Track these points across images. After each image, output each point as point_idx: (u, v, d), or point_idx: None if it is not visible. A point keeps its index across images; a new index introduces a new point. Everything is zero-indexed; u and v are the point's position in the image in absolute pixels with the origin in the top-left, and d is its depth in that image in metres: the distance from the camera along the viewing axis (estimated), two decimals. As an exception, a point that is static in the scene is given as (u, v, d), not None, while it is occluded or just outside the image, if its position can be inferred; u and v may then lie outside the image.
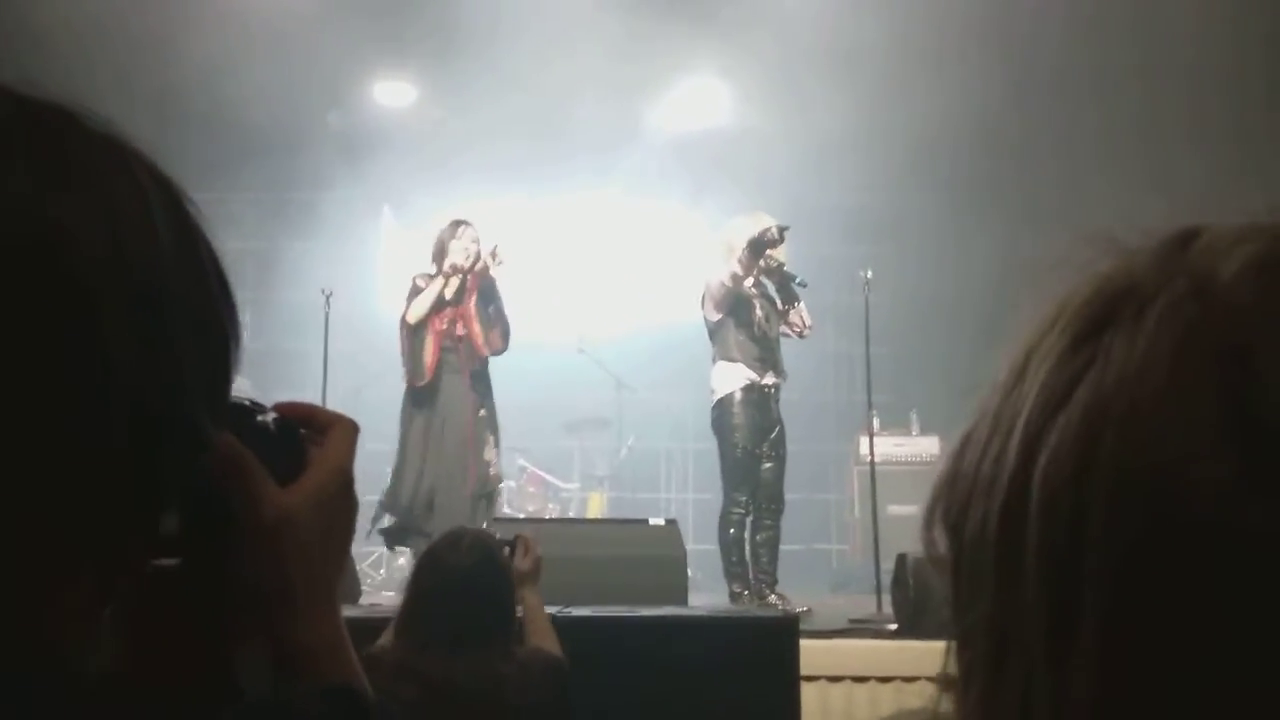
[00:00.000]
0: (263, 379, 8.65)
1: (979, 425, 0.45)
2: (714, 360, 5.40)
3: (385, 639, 2.48)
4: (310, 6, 7.24)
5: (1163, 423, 0.39)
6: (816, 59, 7.00)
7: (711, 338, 5.45)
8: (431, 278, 5.60)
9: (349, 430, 0.67)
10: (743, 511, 5.27)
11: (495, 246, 5.62)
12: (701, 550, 6.69)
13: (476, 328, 5.54)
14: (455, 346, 5.51)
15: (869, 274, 5.66)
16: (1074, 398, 0.41)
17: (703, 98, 8.64)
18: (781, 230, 5.14)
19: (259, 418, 0.64)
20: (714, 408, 5.37)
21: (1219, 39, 5.76)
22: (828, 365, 9.34)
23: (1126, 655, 0.39)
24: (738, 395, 5.24)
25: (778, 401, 5.41)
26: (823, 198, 8.94)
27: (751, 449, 5.24)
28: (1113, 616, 0.39)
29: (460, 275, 5.55)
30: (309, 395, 7.63)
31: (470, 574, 2.46)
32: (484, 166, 8.27)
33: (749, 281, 5.29)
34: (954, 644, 0.44)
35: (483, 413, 5.58)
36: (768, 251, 5.19)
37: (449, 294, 5.52)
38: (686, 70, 8.19)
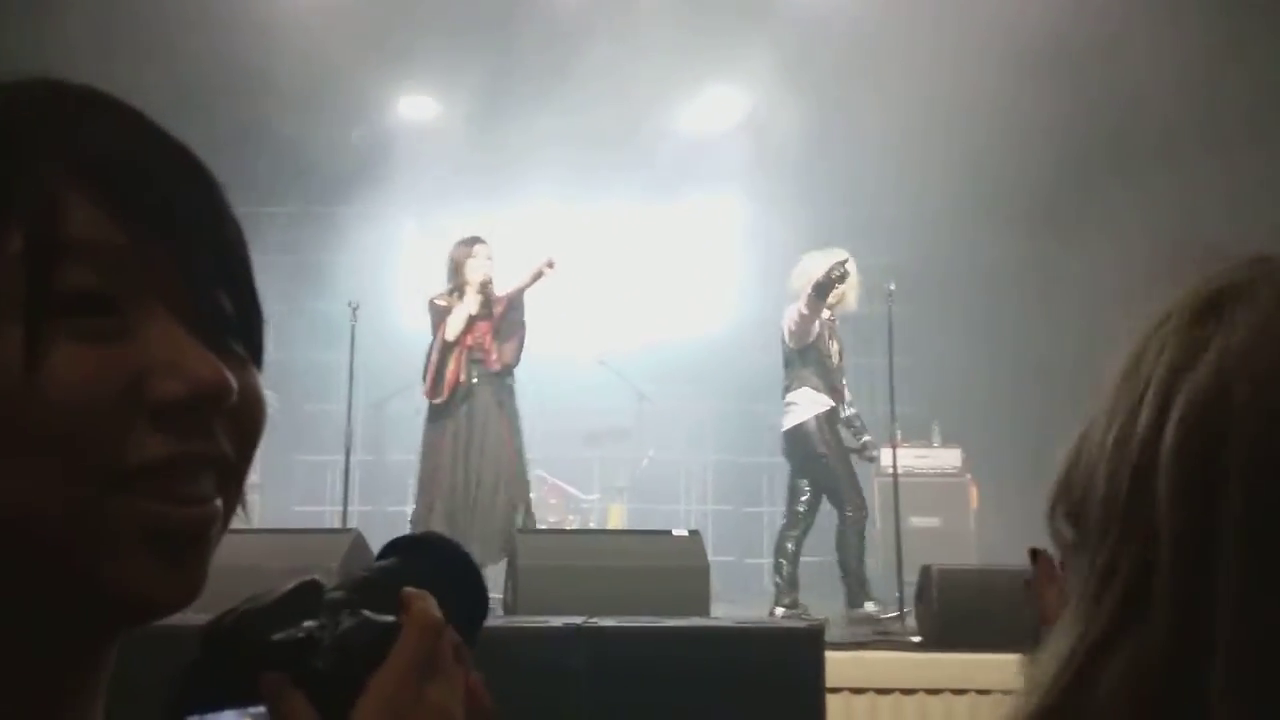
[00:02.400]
0: (289, 390, 8.74)
1: (1095, 421, 0.49)
2: (788, 388, 5.65)
3: None
4: (335, 21, 7.32)
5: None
6: (843, 68, 7.03)
7: (786, 365, 5.70)
8: (449, 295, 5.70)
9: (420, 638, 0.58)
10: (798, 533, 5.66)
11: (550, 258, 5.81)
12: (721, 562, 6.70)
13: (490, 341, 5.66)
14: (485, 359, 5.64)
15: (893, 286, 5.68)
16: (1202, 360, 0.45)
17: (726, 108, 8.67)
18: (843, 266, 5.35)
19: (320, 644, 0.57)
20: (785, 434, 5.65)
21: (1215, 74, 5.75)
22: (848, 377, 9.33)
23: (1264, 590, 0.42)
24: (810, 423, 5.52)
25: (846, 425, 5.68)
26: (847, 209, 8.96)
27: (822, 475, 5.49)
28: (1253, 552, 0.42)
29: (486, 290, 5.65)
30: (335, 407, 7.70)
31: None
32: (506, 179, 8.32)
33: (822, 316, 5.56)
34: (1073, 617, 0.47)
35: (512, 425, 5.69)
36: (838, 288, 5.43)
37: (476, 309, 5.64)
38: (709, 80, 8.22)
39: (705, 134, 8.71)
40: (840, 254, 5.43)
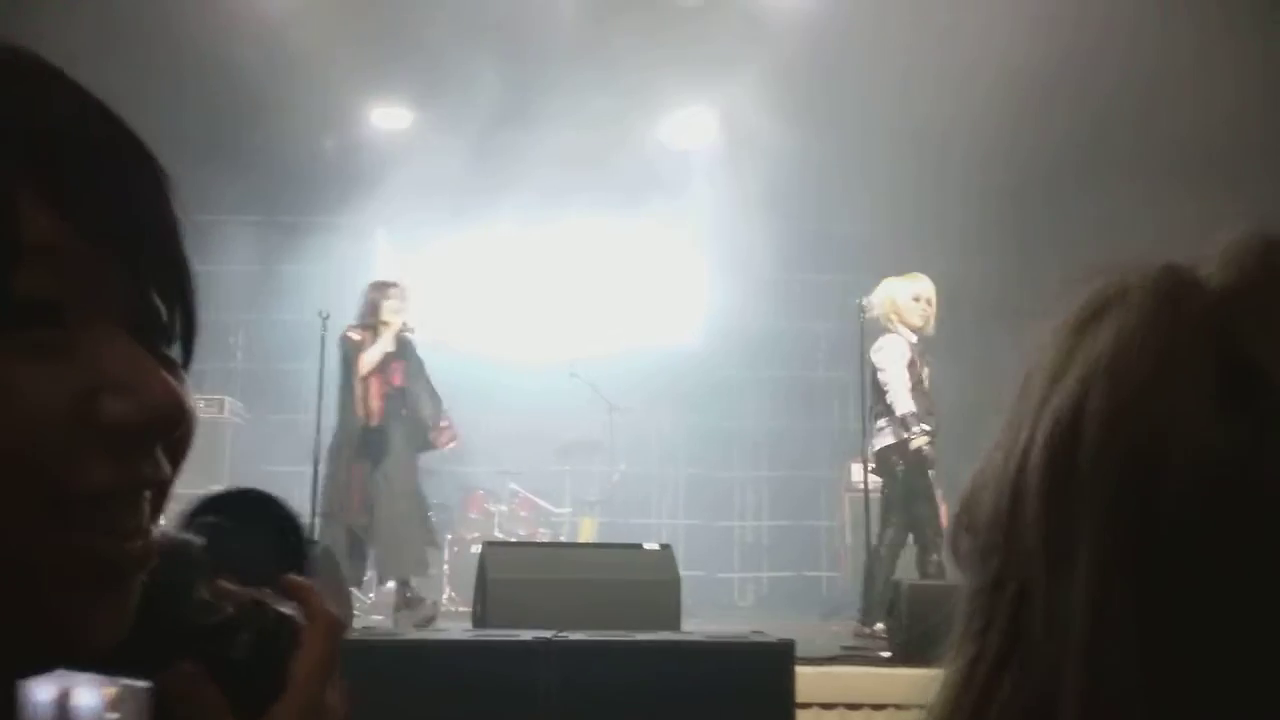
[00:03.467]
0: (257, 400, 8.67)
1: (997, 440, 0.49)
2: (878, 410, 5.62)
3: None
4: (308, 31, 7.29)
5: (1146, 376, 0.43)
6: (815, 86, 7.08)
7: (876, 388, 5.63)
8: (363, 330, 6.05)
9: (326, 637, 0.58)
10: (897, 547, 5.57)
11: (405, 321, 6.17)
12: (692, 576, 6.69)
13: (402, 379, 6.06)
14: (398, 395, 6.01)
15: (864, 301, 5.70)
16: (1070, 369, 0.45)
17: (698, 123, 8.71)
18: (922, 290, 5.49)
19: (238, 634, 0.55)
20: (876, 454, 5.63)
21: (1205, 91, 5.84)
22: (819, 392, 9.38)
23: (1116, 579, 0.42)
24: (904, 445, 5.45)
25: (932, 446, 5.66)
26: (818, 225, 9.01)
27: (909, 494, 5.47)
28: (1103, 545, 0.42)
29: (402, 330, 6.06)
30: (305, 416, 7.64)
31: None
32: (477, 190, 8.31)
33: (914, 338, 5.56)
34: (970, 622, 0.47)
35: (413, 464, 6.13)
36: (915, 305, 5.50)
37: (392, 347, 6.02)
38: (683, 95, 8.25)
39: (680, 148, 8.75)
40: (921, 279, 5.54)
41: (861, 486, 6.31)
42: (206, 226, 7.76)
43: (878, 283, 5.72)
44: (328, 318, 6.14)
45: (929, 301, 5.51)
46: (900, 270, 5.74)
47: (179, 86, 7.02)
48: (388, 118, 8.76)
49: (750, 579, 9.05)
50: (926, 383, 5.60)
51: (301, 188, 8.28)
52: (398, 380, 6.03)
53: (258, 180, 7.87)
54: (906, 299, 5.48)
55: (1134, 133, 6.50)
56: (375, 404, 5.94)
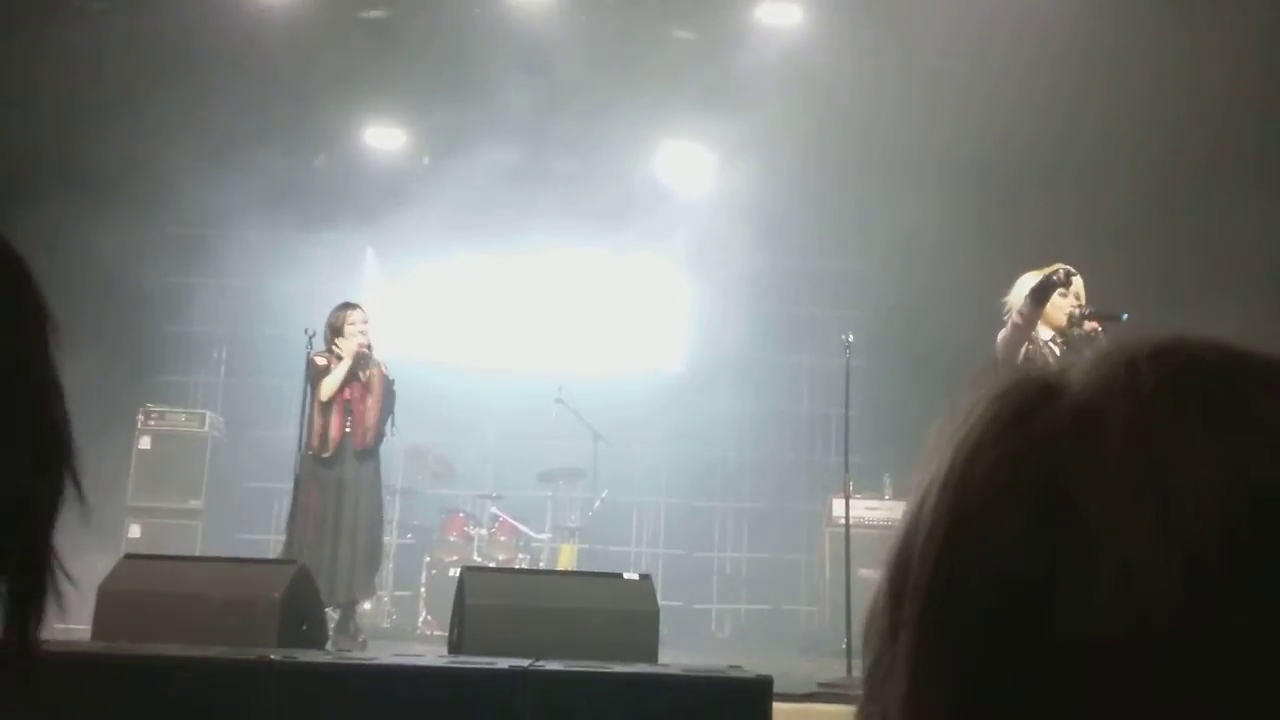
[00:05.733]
0: (240, 414, 8.62)
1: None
2: None
3: None
4: (302, 50, 7.31)
5: (969, 495, 0.44)
6: (806, 120, 7.13)
7: None
8: (327, 354, 6.05)
9: None
10: None
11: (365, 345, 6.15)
12: (669, 606, 6.67)
13: (363, 401, 6.05)
14: (359, 420, 6.02)
15: (850, 338, 5.70)
16: (928, 472, 0.47)
17: (688, 158, 8.76)
18: (1068, 273, 4.55)
19: None
20: None
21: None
22: (801, 426, 9.39)
23: (928, 687, 0.44)
24: None
25: None
26: (805, 259, 9.06)
27: None
28: (919, 654, 0.44)
29: (364, 353, 6.06)
30: (280, 433, 7.60)
31: None
32: (467, 213, 8.33)
33: (1045, 337, 4.67)
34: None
35: (376, 485, 6.13)
36: (1061, 300, 4.59)
37: (354, 369, 6.03)
38: (673, 128, 8.30)
39: (669, 179, 8.79)
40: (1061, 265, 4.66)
41: (842, 521, 6.31)
42: (193, 240, 7.74)
43: (862, 317, 5.68)
44: (313, 335, 6.13)
45: (1066, 283, 4.61)
46: (885, 305, 5.68)
47: (170, 102, 7.02)
48: (380, 137, 8.78)
49: (728, 610, 9.02)
50: None
51: (291, 204, 8.27)
52: (364, 404, 6.03)
53: (247, 195, 7.86)
54: (1042, 278, 4.59)
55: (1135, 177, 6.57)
56: (334, 434, 5.95)
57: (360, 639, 5.87)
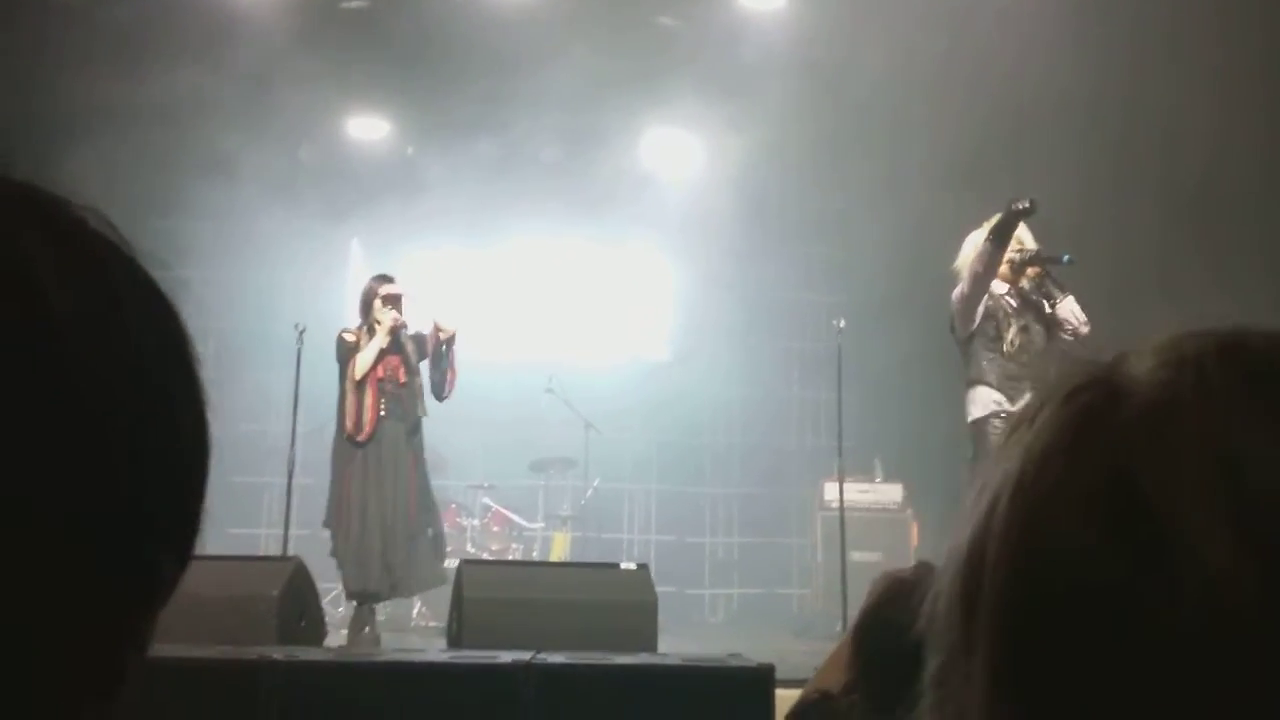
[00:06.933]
0: (228, 408, 8.56)
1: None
2: (965, 383, 4.66)
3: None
4: (286, 39, 7.24)
5: (1040, 498, 0.44)
6: (792, 106, 7.12)
7: (961, 357, 4.70)
8: (359, 330, 5.70)
9: None
10: None
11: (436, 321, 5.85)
12: (663, 591, 6.69)
13: (403, 374, 5.68)
14: (398, 394, 5.65)
15: (841, 323, 5.71)
16: (995, 476, 0.46)
17: (673, 144, 8.74)
18: (1033, 200, 4.33)
19: None
20: (970, 434, 4.65)
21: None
22: (791, 410, 9.42)
23: (1005, 694, 0.43)
24: (994, 422, 4.45)
25: None
26: (794, 244, 9.06)
27: None
28: (995, 661, 0.44)
29: (399, 325, 5.69)
30: (272, 427, 7.56)
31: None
32: (454, 203, 8.29)
33: (1000, 291, 4.56)
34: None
35: (421, 461, 5.74)
36: (1019, 243, 4.45)
37: (385, 344, 5.65)
38: (660, 113, 8.28)
39: (656, 169, 8.77)
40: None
41: (835, 505, 6.34)
42: (179, 232, 7.68)
43: (850, 303, 5.67)
44: (304, 331, 6.09)
45: (1030, 212, 4.48)
46: (875, 290, 5.70)
47: (154, 96, 6.95)
48: (364, 128, 8.72)
49: (721, 595, 9.06)
50: (1011, 343, 4.65)
51: (276, 196, 8.21)
52: (402, 379, 5.65)
53: (232, 187, 7.80)
54: (1003, 212, 4.50)
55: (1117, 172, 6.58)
56: (369, 415, 5.55)
57: (369, 637, 5.48)
